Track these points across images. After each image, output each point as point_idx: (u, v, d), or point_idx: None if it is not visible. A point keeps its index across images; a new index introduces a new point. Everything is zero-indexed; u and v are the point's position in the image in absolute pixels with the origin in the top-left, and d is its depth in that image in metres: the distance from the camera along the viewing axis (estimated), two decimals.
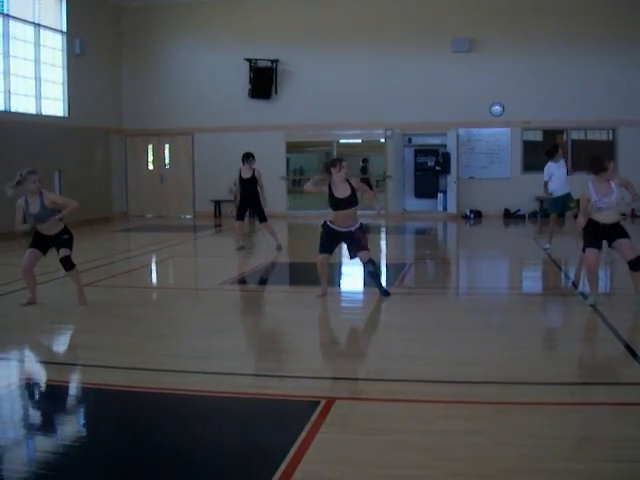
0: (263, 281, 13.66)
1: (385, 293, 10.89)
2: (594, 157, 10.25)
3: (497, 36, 23.89)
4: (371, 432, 5.58)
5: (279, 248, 16.55)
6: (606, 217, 9.76)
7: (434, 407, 6.15)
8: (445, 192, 24.93)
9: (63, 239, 10.57)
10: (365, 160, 28.90)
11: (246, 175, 16.58)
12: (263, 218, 16.72)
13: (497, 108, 24.34)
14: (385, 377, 7.05)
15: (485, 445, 5.27)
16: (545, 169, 15.50)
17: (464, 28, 24.08)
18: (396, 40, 24.37)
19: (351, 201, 10.63)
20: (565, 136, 24.46)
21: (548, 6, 23.51)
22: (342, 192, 10.63)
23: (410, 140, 25.70)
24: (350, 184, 10.66)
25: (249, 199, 16.69)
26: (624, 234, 9.78)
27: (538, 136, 24.83)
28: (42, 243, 10.60)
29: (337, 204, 10.66)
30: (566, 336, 8.92)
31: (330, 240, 10.86)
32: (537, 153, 23.85)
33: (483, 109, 24.29)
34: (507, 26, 23.74)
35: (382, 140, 25.66)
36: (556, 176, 15.37)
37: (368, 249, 10.82)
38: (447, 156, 24.49)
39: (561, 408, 6.12)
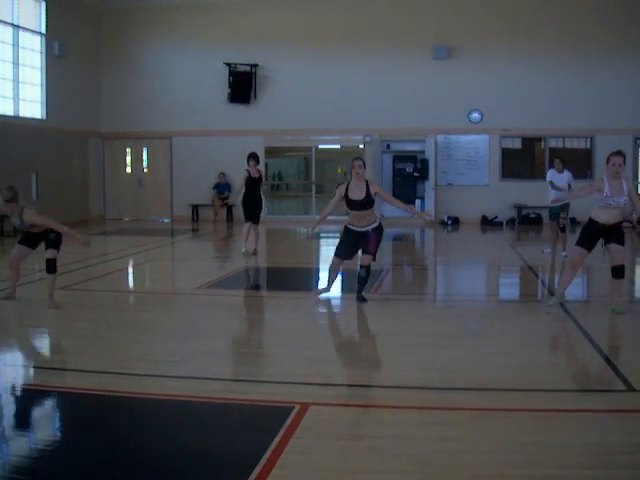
0: (240, 286, 13.62)
1: (362, 299, 10.88)
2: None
3: (476, 44, 24.01)
4: (346, 438, 5.56)
5: (255, 253, 16.47)
6: (609, 218, 9.83)
7: (409, 413, 6.14)
8: (423, 198, 24.99)
9: (51, 237, 10.62)
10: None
11: (255, 175, 16.55)
12: (258, 220, 16.74)
13: (476, 115, 24.44)
14: (360, 383, 7.03)
15: (461, 452, 5.26)
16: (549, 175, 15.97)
17: (444, 35, 24.18)
18: (376, 46, 24.44)
19: (365, 204, 10.72)
20: (543, 144, 24.58)
21: (527, 16, 23.69)
22: (357, 194, 10.73)
23: (389, 146, 25.79)
24: (367, 186, 10.75)
25: (255, 199, 16.63)
26: (620, 240, 9.86)
27: (517, 143, 24.97)
28: (31, 239, 10.77)
29: (351, 205, 10.82)
30: (542, 343, 8.93)
31: (348, 243, 11.00)
32: (515, 160, 23.98)
33: (462, 116, 24.39)
34: (486, 34, 23.87)
35: (361, 146, 25.67)
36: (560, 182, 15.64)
37: (373, 255, 10.86)
38: (425, 162, 24.56)
39: (538, 415, 6.11)
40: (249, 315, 10.62)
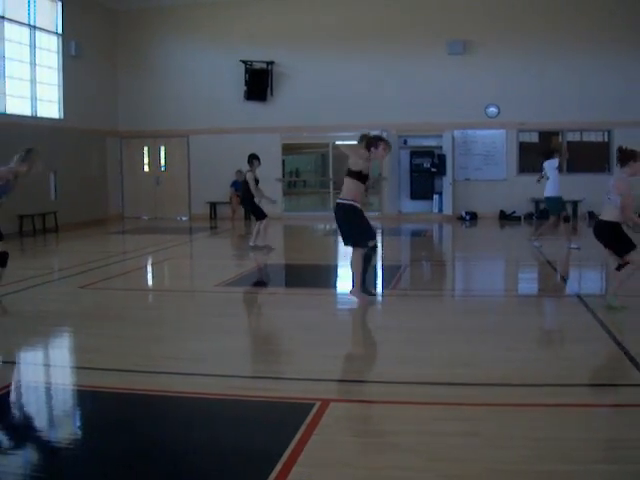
0: (259, 283, 13.65)
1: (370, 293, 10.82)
2: (621, 148, 9.94)
3: (492, 38, 23.93)
4: (365, 434, 5.59)
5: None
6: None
7: (428, 409, 6.16)
8: (441, 194, 24.95)
9: None
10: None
11: (258, 176, 16.81)
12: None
13: (492, 110, 24.38)
14: (380, 379, 7.05)
15: (479, 447, 5.28)
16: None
17: (459, 30, 24.11)
18: (391, 42, 24.39)
19: (356, 175, 10.42)
20: (560, 137, 24.49)
21: (543, 7, 23.57)
22: (356, 165, 10.41)
23: (406, 142, 25.73)
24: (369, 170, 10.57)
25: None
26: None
27: (534, 137, 24.87)
28: None
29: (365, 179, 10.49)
30: (561, 338, 8.93)
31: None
32: (533, 154, 23.89)
33: (479, 111, 24.33)
34: (502, 28, 23.78)
35: None
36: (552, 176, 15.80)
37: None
38: (443, 158, 24.51)
39: (555, 410, 6.11)
40: (268, 312, 10.63)
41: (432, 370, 7.22)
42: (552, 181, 16.12)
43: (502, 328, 9.22)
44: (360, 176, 10.32)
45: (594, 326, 9.05)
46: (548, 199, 16.45)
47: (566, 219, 16.33)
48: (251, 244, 16.85)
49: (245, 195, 17.00)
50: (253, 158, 16.84)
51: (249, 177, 16.70)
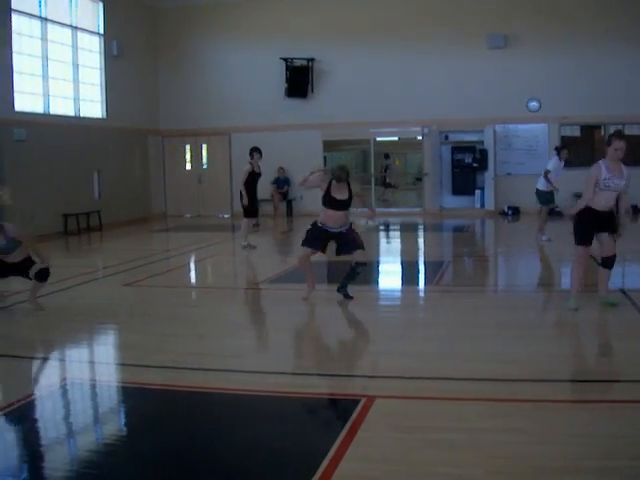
0: (301, 280, 13.64)
1: (348, 296, 10.61)
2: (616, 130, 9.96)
3: (532, 31, 23.72)
4: (411, 430, 5.58)
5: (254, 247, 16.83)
6: (607, 202, 9.48)
7: (474, 405, 6.15)
8: (483, 189, 24.83)
9: (27, 265, 10.10)
10: (387, 156, 28.71)
11: (257, 170, 16.77)
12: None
13: (534, 104, 24.20)
14: (424, 375, 7.02)
15: (526, 443, 5.26)
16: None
17: (499, 24, 23.94)
18: (431, 37, 24.30)
19: (347, 204, 10.41)
20: (603, 131, 24.26)
21: (584, 1, 23.34)
22: (341, 194, 10.34)
23: (447, 137, 25.64)
24: (349, 188, 10.40)
25: (255, 195, 16.96)
26: (615, 229, 9.58)
27: (576, 131, 24.63)
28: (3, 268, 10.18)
29: (333, 204, 10.35)
30: (606, 333, 8.86)
31: (318, 237, 10.51)
32: (575, 148, 23.67)
33: (520, 105, 24.15)
34: (543, 20, 23.56)
35: (419, 137, 25.61)
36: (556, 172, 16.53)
37: (364, 248, 10.54)
38: (484, 153, 24.39)
39: (602, 406, 6.08)
40: (311, 309, 10.63)
41: (477, 366, 7.20)
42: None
43: (546, 323, 9.19)
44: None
45: (639, 322, 8.99)
46: (537, 192, 16.86)
47: (550, 213, 16.88)
48: (243, 244, 16.84)
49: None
50: (253, 150, 16.66)
51: (245, 169, 16.64)
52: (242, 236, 16.91)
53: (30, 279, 10.18)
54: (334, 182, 10.32)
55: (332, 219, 10.40)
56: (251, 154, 16.65)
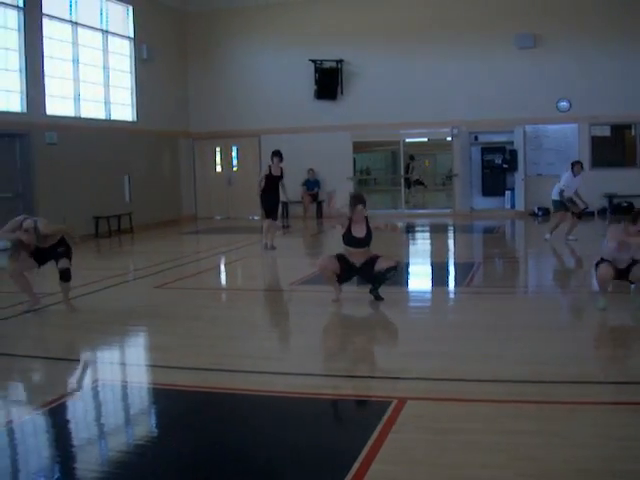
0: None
1: (379, 297, 10.64)
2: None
3: (562, 30, 23.59)
4: (443, 432, 5.58)
5: (273, 248, 17.03)
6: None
7: (505, 407, 6.12)
8: (513, 190, 24.75)
9: (59, 252, 10.31)
10: (411, 157, 28.64)
11: (276, 172, 16.92)
12: (276, 217, 17.52)
13: (564, 104, 24.07)
14: (456, 377, 7.02)
15: (557, 445, 5.24)
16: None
17: (528, 23, 23.82)
18: (460, 37, 24.26)
19: (367, 241, 10.53)
20: (633, 131, 24.11)
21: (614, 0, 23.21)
22: (359, 232, 10.48)
23: (477, 138, 25.60)
24: (367, 225, 10.55)
25: (275, 196, 17.14)
26: None
27: (606, 131, 24.46)
28: (40, 255, 10.35)
29: (352, 242, 10.49)
30: (638, 334, 8.80)
31: (344, 269, 10.54)
32: (605, 149, 23.54)
33: (550, 105, 24.03)
34: (572, 20, 23.43)
35: (448, 138, 25.59)
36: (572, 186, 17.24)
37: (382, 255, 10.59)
38: (514, 153, 24.31)
39: (635, 408, 6.05)
40: (342, 311, 10.64)
41: (508, 367, 7.18)
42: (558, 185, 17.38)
43: (577, 325, 9.16)
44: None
45: None
46: (552, 200, 17.69)
47: (576, 215, 17.35)
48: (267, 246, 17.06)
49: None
50: (273, 155, 17.01)
51: (263, 172, 16.97)
52: (263, 236, 17.24)
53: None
54: (354, 218, 10.48)
55: (354, 255, 10.52)
56: (271, 158, 16.97)
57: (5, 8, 18.44)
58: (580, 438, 5.36)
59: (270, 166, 16.86)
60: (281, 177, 16.83)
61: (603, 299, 9.53)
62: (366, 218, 10.59)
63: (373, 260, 10.43)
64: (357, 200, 10.51)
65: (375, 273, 10.42)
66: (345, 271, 10.53)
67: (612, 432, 5.48)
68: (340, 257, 10.51)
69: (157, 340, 9.18)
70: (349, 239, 10.52)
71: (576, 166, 17.25)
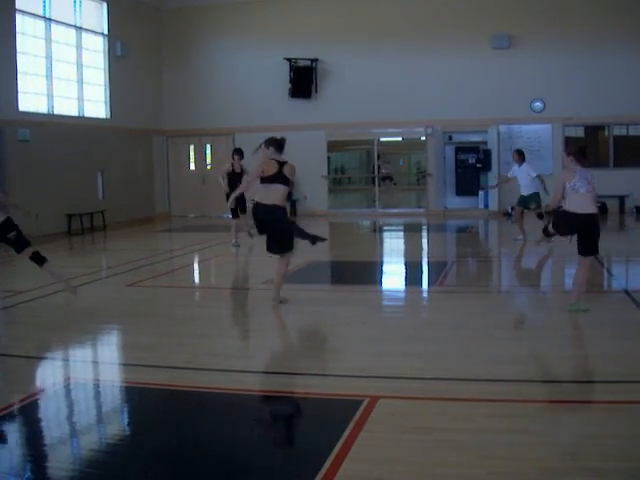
0: (304, 280, 13.62)
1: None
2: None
3: (537, 32, 23.72)
4: (414, 430, 5.58)
5: (237, 245, 17.13)
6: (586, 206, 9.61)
7: (477, 405, 6.14)
8: (486, 189, 24.81)
9: (10, 238, 9.99)
10: (379, 157, 28.41)
11: (237, 169, 17.05)
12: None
13: (538, 104, 24.18)
14: (428, 376, 7.02)
15: (529, 444, 5.25)
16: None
17: (503, 24, 23.93)
18: (436, 37, 24.36)
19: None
20: (607, 132, 24.25)
21: (588, 1, 23.31)
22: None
23: (451, 137, 25.64)
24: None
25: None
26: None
27: (580, 132, 24.59)
28: None
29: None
30: (610, 334, 8.83)
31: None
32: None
33: (524, 105, 24.14)
34: (547, 21, 23.56)
35: (423, 138, 25.62)
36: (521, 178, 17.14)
37: None
38: (488, 153, 24.38)
39: (605, 406, 6.07)
40: (315, 309, 10.61)
41: (479, 366, 7.20)
42: (529, 184, 17.15)
43: (549, 324, 9.16)
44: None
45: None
46: (530, 197, 17.14)
47: (539, 216, 16.97)
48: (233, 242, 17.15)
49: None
50: (234, 152, 17.27)
51: (224, 169, 17.18)
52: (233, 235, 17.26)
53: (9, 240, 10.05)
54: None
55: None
56: (232, 156, 17.23)
57: None
58: (551, 436, 5.37)
59: (232, 163, 16.98)
60: (242, 174, 16.75)
61: (583, 303, 9.54)
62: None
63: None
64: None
65: None
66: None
67: (583, 430, 5.51)
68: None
69: (129, 338, 9.13)
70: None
71: (514, 155, 17.54)
